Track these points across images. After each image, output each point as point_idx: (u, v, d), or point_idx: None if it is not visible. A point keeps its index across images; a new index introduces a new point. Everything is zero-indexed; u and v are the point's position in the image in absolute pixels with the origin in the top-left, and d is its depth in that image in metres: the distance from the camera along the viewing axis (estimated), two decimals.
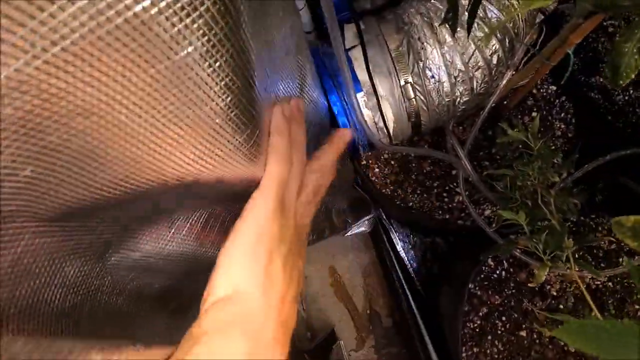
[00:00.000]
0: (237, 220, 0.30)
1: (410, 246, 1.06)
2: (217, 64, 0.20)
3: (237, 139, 0.25)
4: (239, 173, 0.28)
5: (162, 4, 0.17)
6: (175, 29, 0.18)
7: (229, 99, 0.23)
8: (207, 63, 0.20)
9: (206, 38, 0.19)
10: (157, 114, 0.21)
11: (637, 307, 0.68)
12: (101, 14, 0.16)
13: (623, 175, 0.72)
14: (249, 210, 0.29)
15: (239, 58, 0.22)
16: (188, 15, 0.18)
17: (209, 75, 0.21)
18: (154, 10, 0.17)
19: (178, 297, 0.45)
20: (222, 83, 0.22)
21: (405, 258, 1.05)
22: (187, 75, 0.20)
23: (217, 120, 0.23)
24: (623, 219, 0.18)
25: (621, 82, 0.27)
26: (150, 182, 0.24)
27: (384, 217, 1.04)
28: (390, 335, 1.08)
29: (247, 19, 0.21)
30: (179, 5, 0.17)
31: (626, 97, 0.73)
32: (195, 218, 0.37)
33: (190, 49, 0.19)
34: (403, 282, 0.96)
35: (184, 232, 0.36)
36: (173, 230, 0.35)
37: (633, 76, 0.26)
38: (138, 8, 0.16)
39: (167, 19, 0.17)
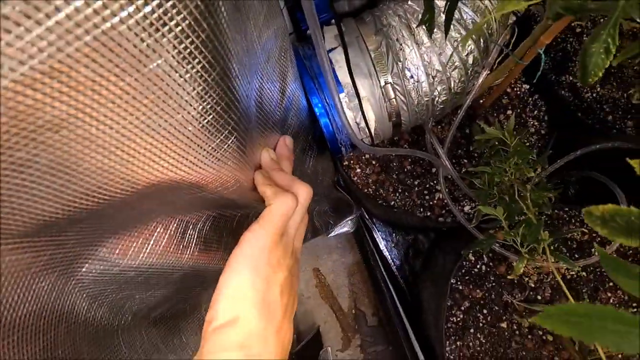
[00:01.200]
0: (236, 248, 0.31)
1: (392, 245, 1.08)
2: (188, 74, 0.21)
3: (209, 145, 0.25)
4: (212, 177, 0.28)
5: (131, 22, 0.17)
6: (145, 43, 0.18)
7: (201, 107, 0.23)
8: (178, 74, 0.20)
9: (176, 51, 0.19)
10: (129, 124, 0.21)
11: (609, 294, 0.71)
12: (69, 33, 0.16)
13: (593, 169, 0.75)
14: (247, 241, 0.31)
15: (212, 67, 0.22)
16: (157, 30, 0.18)
17: (180, 85, 0.21)
18: (122, 27, 0.17)
19: (160, 307, 0.45)
20: (194, 92, 0.22)
21: (389, 256, 1.07)
22: (157, 85, 0.20)
23: (189, 128, 0.23)
24: (593, 209, 0.20)
25: (590, 80, 0.28)
26: (124, 191, 0.24)
27: (367, 216, 1.06)
28: (376, 333, 1.10)
29: (223, 28, 0.22)
30: (147, 22, 0.17)
31: (594, 95, 0.76)
32: (174, 228, 0.37)
33: (160, 61, 0.19)
34: (387, 280, 0.97)
35: (163, 243, 0.36)
36: (152, 242, 0.35)
37: (601, 74, 0.28)
38: (106, 25, 0.16)
39: (136, 34, 0.17)
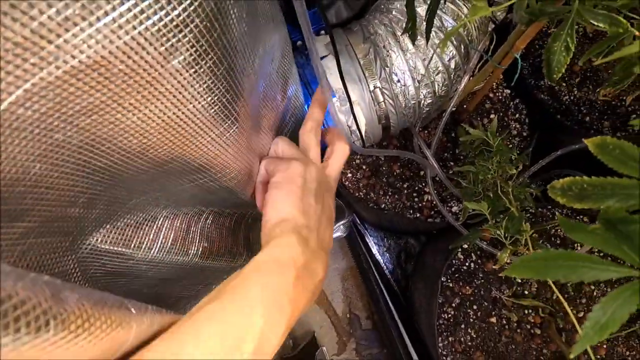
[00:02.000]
0: (277, 175, 0.40)
1: (385, 249, 1.10)
2: (201, 69, 0.23)
3: (214, 132, 0.29)
4: (214, 162, 0.31)
5: (161, 24, 0.20)
6: (170, 42, 0.21)
7: (210, 98, 0.26)
8: (193, 69, 0.23)
9: (194, 49, 0.22)
10: (149, 111, 0.24)
11: (592, 287, 0.74)
12: (113, 33, 0.19)
13: (573, 168, 0.78)
14: (284, 171, 0.40)
15: (220, 63, 0.25)
16: (180, 31, 0.21)
17: (193, 78, 0.24)
18: (155, 29, 0.20)
19: (165, 299, 0.47)
20: (205, 85, 0.25)
21: (381, 260, 1.09)
22: (176, 79, 0.23)
23: (198, 116, 0.26)
24: (555, 183, 0.23)
25: (555, 76, 0.31)
26: (137, 168, 0.27)
27: (358, 221, 1.08)
28: (371, 337, 1.11)
29: (232, 31, 0.25)
30: (174, 24, 0.20)
31: (572, 97, 0.80)
32: (178, 224, 0.39)
33: (180, 57, 0.22)
34: (380, 284, 1.00)
35: (170, 238, 0.38)
36: (161, 237, 0.37)
37: (563, 70, 0.31)
38: (142, 27, 0.19)
39: (164, 35, 0.20)
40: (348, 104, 0.61)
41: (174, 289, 0.44)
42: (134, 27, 0.19)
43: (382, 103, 0.61)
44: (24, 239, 0.23)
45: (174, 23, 0.20)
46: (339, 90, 0.60)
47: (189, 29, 0.20)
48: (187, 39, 0.21)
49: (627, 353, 0.72)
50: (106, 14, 0.17)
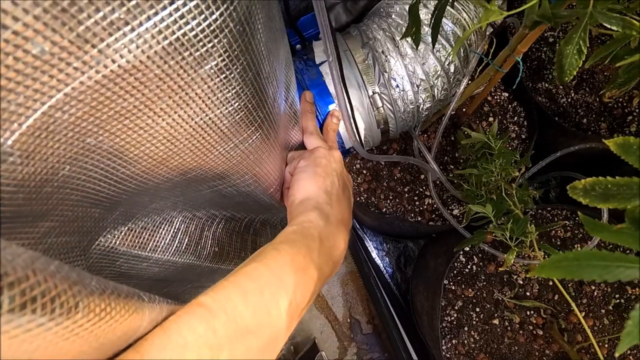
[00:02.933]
0: (300, 162, 0.45)
1: (384, 253, 1.10)
2: (232, 74, 0.24)
3: (237, 138, 0.29)
4: (234, 169, 0.32)
5: (199, 29, 0.20)
6: (205, 48, 0.21)
7: (237, 104, 0.26)
8: (224, 74, 0.23)
9: (227, 54, 0.22)
10: (178, 117, 0.24)
11: (593, 287, 0.74)
12: (153, 38, 0.19)
13: (572, 170, 0.79)
14: (308, 157, 0.45)
15: (249, 69, 0.25)
16: (216, 36, 0.21)
17: (224, 84, 0.24)
18: (192, 34, 0.20)
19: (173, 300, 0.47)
20: (234, 90, 0.25)
21: (381, 264, 1.09)
22: (207, 84, 0.23)
23: (224, 121, 0.26)
24: (576, 183, 0.23)
25: (566, 78, 0.32)
26: (161, 176, 0.28)
27: (358, 226, 1.08)
28: (371, 341, 1.11)
29: (259, 37, 0.25)
30: (211, 29, 0.21)
31: (569, 100, 0.80)
32: (193, 228, 0.40)
33: (213, 63, 0.22)
34: (381, 287, 1.00)
35: (185, 242, 0.39)
36: (176, 241, 0.38)
37: (575, 73, 0.31)
38: (180, 32, 0.19)
39: (200, 40, 0.21)
40: (349, 109, 0.61)
41: (183, 290, 0.44)
42: (174, 32, 0.19)
43: (381, 108, 0.62)
44: (46, 238, 0.23)
45: (211, 28, 0.20)
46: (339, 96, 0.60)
47: (224, 33, 0.20)
48: (221, 44, 0.21)
49: (628, 352, 0.73)
50: (149, 18, 0.17)
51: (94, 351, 0.19)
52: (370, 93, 0.62)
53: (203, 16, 0.19)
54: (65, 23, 0.15)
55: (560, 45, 0.30)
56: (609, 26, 0.27)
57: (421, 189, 0.83)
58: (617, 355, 0.18)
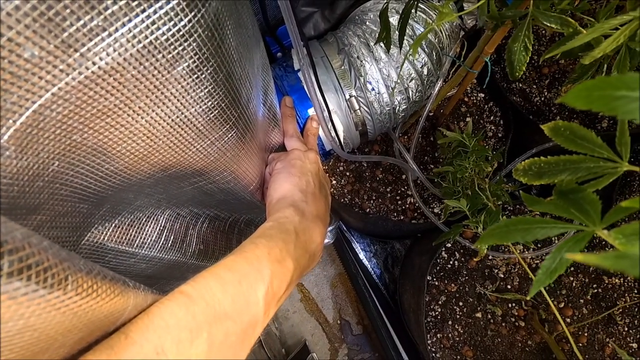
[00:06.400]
0: (277, 164, 0.48)
1: (372, 254, 1.13)
2: (203, 75, 0.26)
3: (213, 135, 0.31)
4: (213, 165, 0.34)
5: (170, 33, 0.22)
6: (176, 50, 0.23)
7: (210, 102, 0.28)
8: (196, 75, 0.26)
9: (197, 56, 0.25)
10: (156, 115, 0.26)
11: (572, 279, 0.77)
12: (128, 42, 0.21)
13: None
14: (284, 159, 0.48)
15: (220, 70, 0.27)
16: (186, 40, 0.23)
17: (196, 84, 0.26)
18: (164, 37, 0.22)
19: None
20: (206, 90, 0.27)
21: (369, 266, 1.11)
22: (180, 84, 0.26)
23: (199, 119, 0.29)
24: (518, 165, 0.25)
25: (517, 74, 0.35)
26: (143, 172, 0.30)
27: (345, 229, 1.11)
28: (362, 341, 1.13)
29: (229, 40, 0.27)
30: (180, 33, 0.23)
31: (542, 99, 0.84)
32: (177, 226, 0.42)
33: (185, 64, 0.25)
34: (369, 288, 1.02)
35: (171, 239, 0.41)
36: (162, 238, 0.40)
37: (524, 68, 0.34)
38: (154, 36, 0.22)
39: (171, 43, 0.23)
40: (326, 113, 0.64)
41: (170, 289, 0.46)
42: (146, 37, 0.21)
43: (358, 110, 0.64)
44: (37, 231, 0.25)
45: (181, 33, 0.22)
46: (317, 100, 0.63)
47: (193, 38, 0.23)
48: (191, 47, 0.23)
49: (607, 340, 0.75)
50: (123, 24, 0.19)
51: (84, 327, 0.21)
52: (348, 96, 0.65)
53: (172, 22, 0.22)
54: (51, 30, 0.17)
55: (509, 44, 0.33)
56: (548, 24, 0.30)
57: (403, 189, 0.86)
58: (528, 298, 0.20)
